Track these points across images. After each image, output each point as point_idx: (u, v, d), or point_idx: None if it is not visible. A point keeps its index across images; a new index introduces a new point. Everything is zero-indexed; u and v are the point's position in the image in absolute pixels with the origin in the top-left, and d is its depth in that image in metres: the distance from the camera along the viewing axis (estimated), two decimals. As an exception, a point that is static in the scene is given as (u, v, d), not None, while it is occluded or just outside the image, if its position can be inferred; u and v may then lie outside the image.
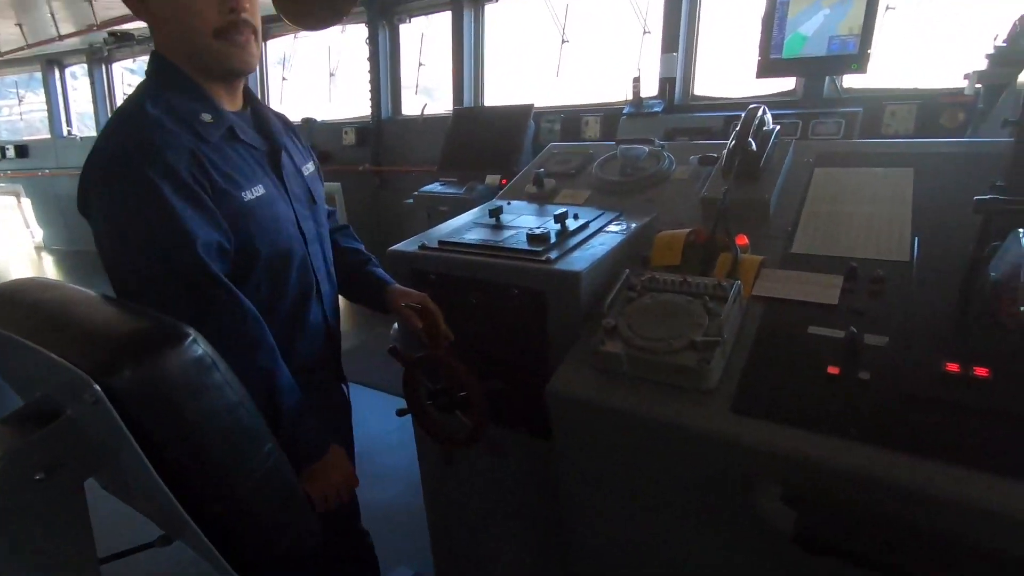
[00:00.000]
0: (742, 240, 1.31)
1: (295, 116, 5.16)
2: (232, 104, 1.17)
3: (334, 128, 4.91)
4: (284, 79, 5.49)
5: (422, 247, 1.46)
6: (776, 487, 0.92)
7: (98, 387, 0.52)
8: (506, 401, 1.39)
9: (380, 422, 2.89)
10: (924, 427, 0.87)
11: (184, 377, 0.58)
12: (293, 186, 1.22)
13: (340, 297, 1.44)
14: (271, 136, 1.22)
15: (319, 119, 5.10)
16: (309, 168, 1.33)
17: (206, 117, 1.08)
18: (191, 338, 0.59)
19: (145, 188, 0.96)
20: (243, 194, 1.08)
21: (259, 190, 1.12)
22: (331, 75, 5.22)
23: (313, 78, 5.34)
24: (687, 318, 1.10)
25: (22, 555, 0.65)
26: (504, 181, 3.42)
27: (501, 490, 1.57)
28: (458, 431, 1.38)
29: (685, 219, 1.48)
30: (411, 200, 3.63)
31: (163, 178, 0.97)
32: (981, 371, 0.90)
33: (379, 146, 4.67)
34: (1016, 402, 0.85)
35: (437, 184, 3.64)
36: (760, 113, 1.49)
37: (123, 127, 1.03)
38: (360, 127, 4.74)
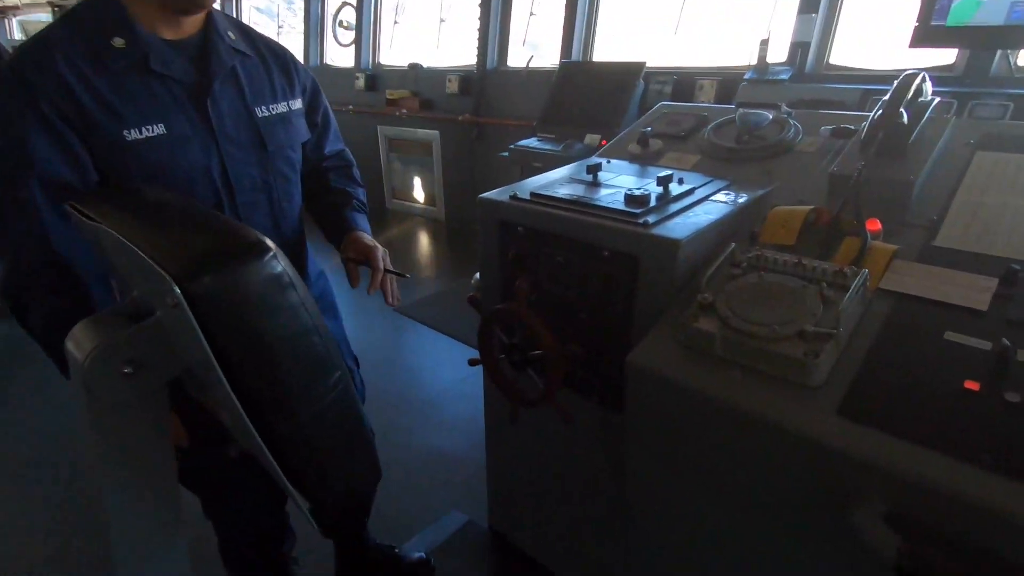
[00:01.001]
0: (874, 225, 1.14)
1: (403, 60, 5.21)
2: (173, 32, 1.05)
3: (438, 75, 4.90)
4: (396, 22, 5.53)
5: (513, 197, 1.40)
6: (880, 505, 0.80)
7: (178, 290, 0.52)
8: (582, 367, 1.33)
9: (452, 370, 2.94)
10: (1085, 469, 0.72)
11: (261, 292, 0.57)
12: (226, 127, 1.09)
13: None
14: (207, 69, 1.08)
15: (425, 65, 5.10)
16: (279, 108, 1.19)
17: (118, 42, 0.98)
18: (271, 253, 0.58)
19: (5, 110, 0.94)
20: (125, 132, 0.97)
21: (157, 129, 1.00)
22: (441, 21, 5.19)
23: (424, 23, 5.34)
24: (798, 304, 0.98)
25: (107, 441, 0.68)
26: (604, 142, 3.27)
27: (565, 456, 1.53)
28: (528, 390, 1.34)
29: (806, 196, 1.32)
30: (506, 154, 3.57)
31: (24, 103, 0.92)
32: None
33: (481, 96, 4.62)
34: None
35: (534, 139, 3.54)
36: (919, 80, 1.28)
37: (20, 48, 0.99)
38: (464, 75, 4.70)
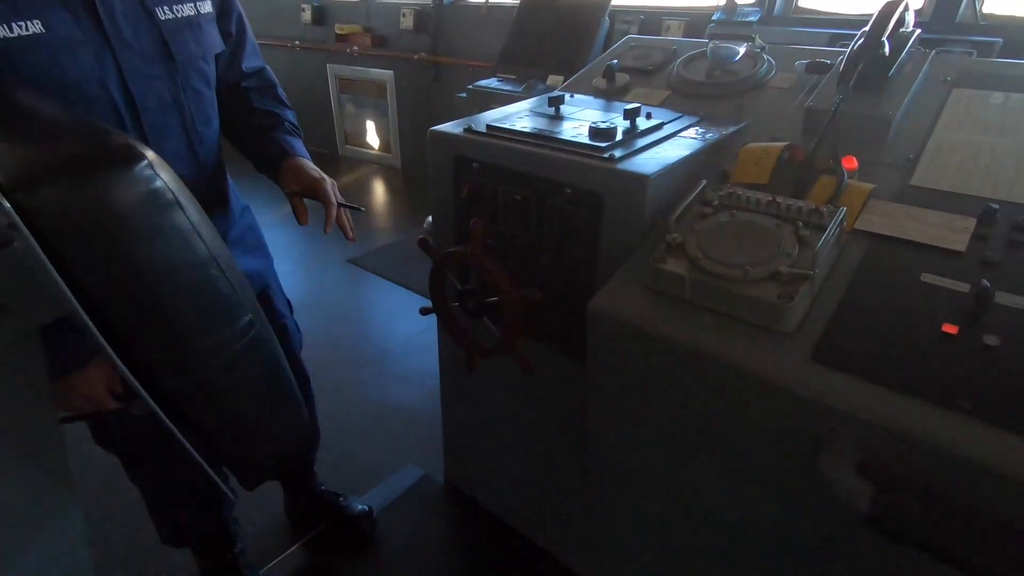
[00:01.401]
0: (850, 163, 1.08)
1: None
2: None
3: (392, 9, 4.56)
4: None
5: (467, 130, 1.28)
6: (853, 453, 0.76)
7: (8, 205, 0.39)
8: (542, 313, 1.25)
9: (408, 323, 2.83)
10: (1064, 413, 0.68)
11: (131, 209, 0.44)
12: (122, 30, 0.93)
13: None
14: None
15: (378, -2, 4.75)
16: (185, 10, 1.03)
17: None
18: (144, 162, 0.45)
19: None
20: None
21: (32, 27, 0.84)
22: (395, -51, 4.80)
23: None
24: (772, 244, 0.91)
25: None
26: (567, 84, 3.12)
27: (523, 407, 1.47)
28: (485, 339, 1.26)
29: (780, 133, 1.25)
30: (464, 95, 3.37)
31: None
32: None
33: (438, 34, 4.33)
34: None
35: (494, 80, 3.35)
36: (901, 8, 1.20)
37: None
38: (420, 10, 4.39)
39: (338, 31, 4.77)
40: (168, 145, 1.02)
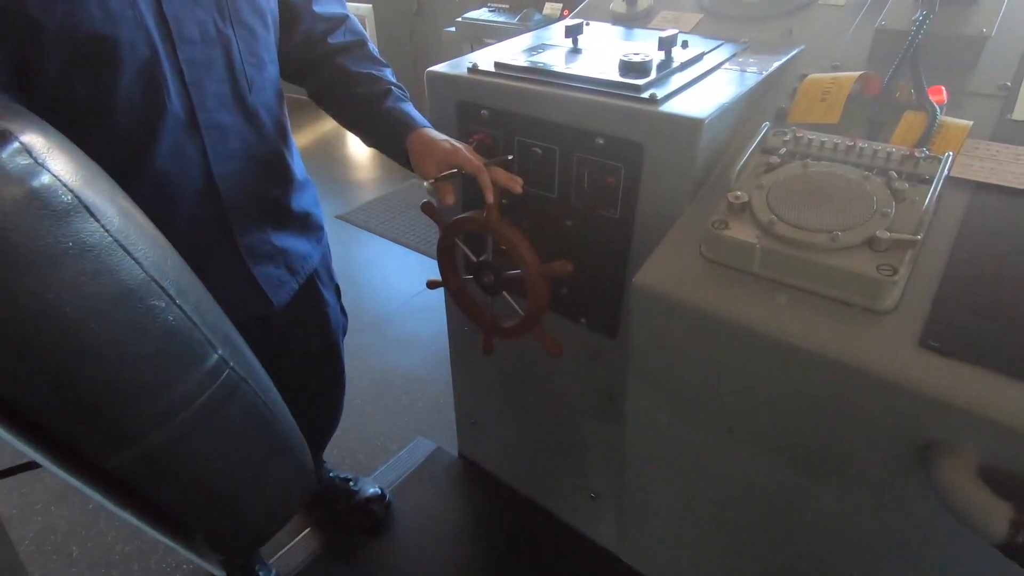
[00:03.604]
0: (938, 94, 0.90)
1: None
2: None
3: (367, -66, 4.14)
4: None
5: (472, 70, 1.07)
6: (974, 459, 0.63)
7: None
8: (569, 284, 1.10)
9: (406, 283, 2.67)
10: None
11: (3, 229, 0.27)
12: None
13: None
14: None
15: (349, -78, 4.30)
16: None
17: None
18: (14, 146, 0.27)
19: None
20: None
21: None
22: None
23: None
24: (862, 202, 0.75)
25: None
26: (566, 12, 2.83)
27: (543, 379, 1.34)
28: (504, 317, 1.10)
29: (842, 61, 1.06)
30: (452, 28, 3.07)
31: None
32: None
33: (419, -39, 3.94)
34: None
35: (484, 10, 3.04)
36: (998, -103, 0.98)
37: None
38: (397, -65, 3.98)
39: (308, -39, 4.34)
40: (209, 88, 0.85)
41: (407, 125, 0.98)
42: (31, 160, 0.28)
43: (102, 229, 0.32)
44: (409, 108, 1.02)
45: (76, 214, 0.30)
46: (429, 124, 1.01)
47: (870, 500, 0.76)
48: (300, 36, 1.00)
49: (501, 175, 0.95)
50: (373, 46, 1.09)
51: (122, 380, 0.33)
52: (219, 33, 0.84)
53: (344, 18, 1.06)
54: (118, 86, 0.76)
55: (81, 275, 0.30)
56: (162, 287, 0.35)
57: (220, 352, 0.39)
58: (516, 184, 0.96)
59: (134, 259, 0.33)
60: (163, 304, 0.35)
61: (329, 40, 1.03)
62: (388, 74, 1.06)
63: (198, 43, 0.82)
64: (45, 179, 0.29)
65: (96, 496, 0.35)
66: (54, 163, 0.30)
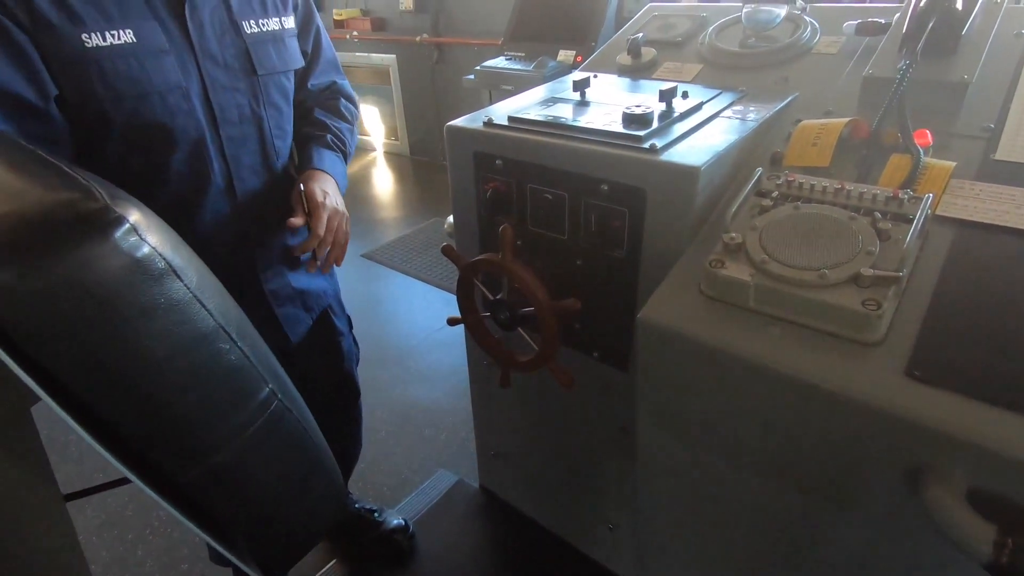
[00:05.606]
0: (923, 137, 0.96)
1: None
2: None
3: (391, -10, 4.40)
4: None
5: (487, 123, 1.17)
6: (961, 482, 0.66)
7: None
8: (580, 320, 1.16)
9: (427, 318, 2.76)
10: None
11: (115, 289, 0.35)
12: (208, 42, 0.93)
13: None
14: None
15: (375, -21, 4.57)
16: (271, 24, 1.01)
17: None
18: (126, 227, 0.36)
19: None
20: (84, 36, 0.81)
21: (123, 36, 0.83)
22: (389, -74, 4.60)
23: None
24: (848, 241, 0.80)
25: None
26: (579, 58, 2.97)
27: (559, 412, 1.39)
28: (520, 351, 1.17)
29: (834, 106, 1.13)
30: (472, 76, 3.23)
31: None
32: None
33: (440, 13, 4.17)
34: None
35: (502, 59, 3.20)
36: (973, -45, 1.06)
37: None
38: (419, -10, 4.22)
39: (336, 16, 4.63)
40: (245, 160, 1.00)
41: (308, 160, 1.13)
42: (137, 237, 0.37)
43: (185, 287, 0.40)
44: (327, 154, 1.16)
45: (167, 276, 0.39)
46: (329, 171, 1.14)
47: (874, 525, 0.79)
48: (295, 102, 1.16)
49: (324, 253, 1.11)
50: (349, 105, 1.26)
51: (196, 409, 0.41)
52: (253, 113, 1.00)
53: (330, 84, 1.24)
54: (171, 162, 0.90)
55: (169, 324, 0.38)
56: (227, 332, 0.43)
57: (271, 386, 0.46)
58: (319, 265, 1.15)
59: (207, 310, 0.41)
60: (228, 346, 0.42)
61: (307, 101, 1.21)
62: (340, 126, 1.21)
63: (236, 123, 0.97)
64: (146, 250, 0.38)
65: (167, 506, 0.42)
66: (151, 237, 0.38)
